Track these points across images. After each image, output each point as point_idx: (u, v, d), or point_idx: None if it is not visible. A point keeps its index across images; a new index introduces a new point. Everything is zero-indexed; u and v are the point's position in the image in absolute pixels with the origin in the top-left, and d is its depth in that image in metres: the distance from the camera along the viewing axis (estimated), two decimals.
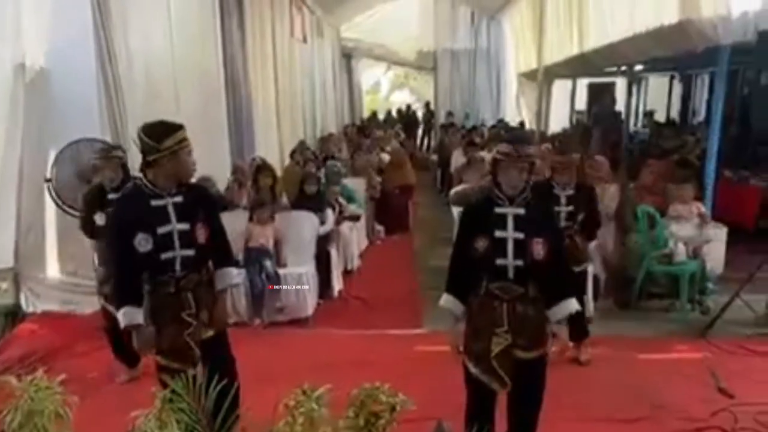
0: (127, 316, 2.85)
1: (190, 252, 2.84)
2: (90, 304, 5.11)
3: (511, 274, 2.63)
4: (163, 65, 5.96)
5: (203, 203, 2.98)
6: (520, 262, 2.61)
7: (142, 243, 2.78)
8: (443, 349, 4.57)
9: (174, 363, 2.84)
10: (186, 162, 2.88)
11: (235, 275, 3.18)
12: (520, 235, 2.60)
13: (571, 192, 4.10)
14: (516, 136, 2.82)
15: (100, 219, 4.03)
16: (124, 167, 4.08)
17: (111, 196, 3.98)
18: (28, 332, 4.82)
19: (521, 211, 2.63)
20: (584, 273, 4.36)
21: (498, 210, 2.65)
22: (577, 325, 4.23)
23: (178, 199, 2.85)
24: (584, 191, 4.23)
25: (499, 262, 2.62)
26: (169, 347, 2.88)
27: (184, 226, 2.83)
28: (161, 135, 2.77)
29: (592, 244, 4.57)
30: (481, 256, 2.64)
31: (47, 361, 4.23)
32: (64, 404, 1.88)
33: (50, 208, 5.21)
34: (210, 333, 2.97)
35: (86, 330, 4.84)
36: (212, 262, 3.05)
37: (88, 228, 4.18)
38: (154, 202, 2.82)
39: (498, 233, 2.62)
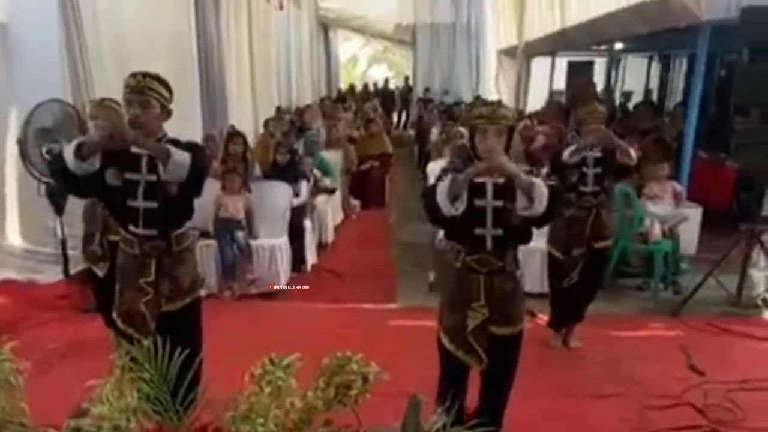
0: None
1: (154, 204, 2.68)
2: (52, 273, 4.94)
3: (489, 244, 2.54)
4: (132, 26, 5.70)
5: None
6: (499, 232, 2.52)
7: (112, 177, 2.65)
8: (416, 324, 4.56)
9: (129, 329, 2.72)
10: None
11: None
12: (499, 203, 2.51)
13: (599, 154, 3.87)
14: (490, 101, 2.71)
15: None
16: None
17: None
18: None
19: (500, 179, 2.53)
20: (606, 249, 4.14)
21: (477, 179, 2.55)
22: (558, 311, 4.19)
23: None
24: (612, 154, 3.89)
25: (478, 231, 2.53)
26: (126, 312, 2.75)
27: (152, 177, 2.66)
28: None
29: None
30: (459, 225, 2.55)
31: (7, 331, 4.04)
32: (15, 372, 1.76)
33: (11, 172, 5.00)
34: (173, 306, 2.79)
35: (48, 299, 4.68)
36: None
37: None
38: (133, 148, 2.65)
39: (477, 202, 2.52)
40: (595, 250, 4.01)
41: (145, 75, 2.64)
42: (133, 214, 2.71)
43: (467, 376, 2.73)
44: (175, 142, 2.75)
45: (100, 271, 3.90)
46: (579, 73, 11.55)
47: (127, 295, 2.75)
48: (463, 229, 2.55)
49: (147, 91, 2.62)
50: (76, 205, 4.82)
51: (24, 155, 4.47)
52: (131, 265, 2.76)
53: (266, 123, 8.50)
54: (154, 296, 2.73)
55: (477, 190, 2.53)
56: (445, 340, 2.65)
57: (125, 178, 2.67)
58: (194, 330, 2.88)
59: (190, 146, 2.76)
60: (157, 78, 2.67)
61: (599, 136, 3.84)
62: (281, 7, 11.40)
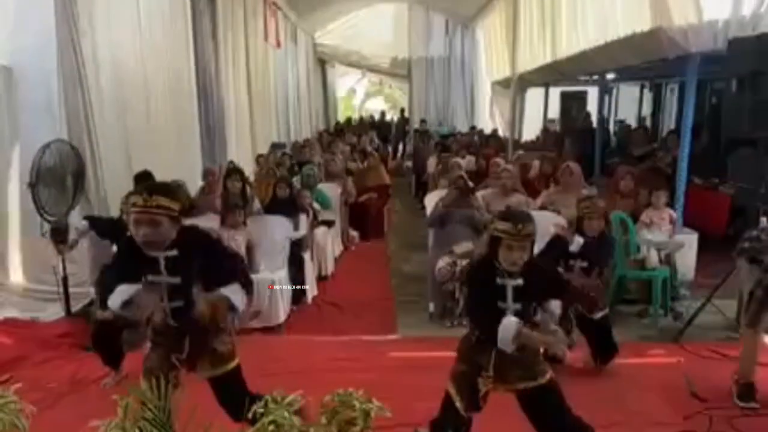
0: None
1: (180, 303, 2.71)
2: (53, 311, 4.96)
3: None
4: (132, 68, 5.83)
5: (200, 251, 2.73)
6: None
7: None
8: (417, 355, 4.56)
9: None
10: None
11: (235, 292, 2.75)
12: (518, 306, 2.65)
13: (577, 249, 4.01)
14: (515, 213, 2.73)
15: None
16: None
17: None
18: None
19: (520, 281, 2.66)
20: (605, 318, 4.19)
21: (498, 281, 2.67)
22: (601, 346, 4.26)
23: (173, 252, 2.64)
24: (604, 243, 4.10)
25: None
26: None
27: (175, 280, 2.66)
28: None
29: None
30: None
31: (8, 370, 4.09)
32: (21, 414, 1.78)
33: (13, 211, 5.05)
34: (216, 372, 2.85)
35: (49, 337, 4.67)
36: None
37: None
38: (151, 253, 2.62)
39: (500, 304, 2.66)
40: (594, 321, 4.14)
41: (151, 192, 2.57)
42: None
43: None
44: (189, 236, 2.71)
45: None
46: (572, 102, 11.71)
47: (155, 364, 2.76)
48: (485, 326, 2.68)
49: (153, 209, 2.54)
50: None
51: (35, 197, 4.52)
52: (164, 339, 2.79)
53: (257, 159, 8.59)
54: (180, 370, 2.78)
55: (498, 293, 2.67)
56: (452, 390, 2.75)
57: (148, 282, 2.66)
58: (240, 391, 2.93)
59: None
60: (163, 191, 2.61)
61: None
62: (279, 46, 11.61)
